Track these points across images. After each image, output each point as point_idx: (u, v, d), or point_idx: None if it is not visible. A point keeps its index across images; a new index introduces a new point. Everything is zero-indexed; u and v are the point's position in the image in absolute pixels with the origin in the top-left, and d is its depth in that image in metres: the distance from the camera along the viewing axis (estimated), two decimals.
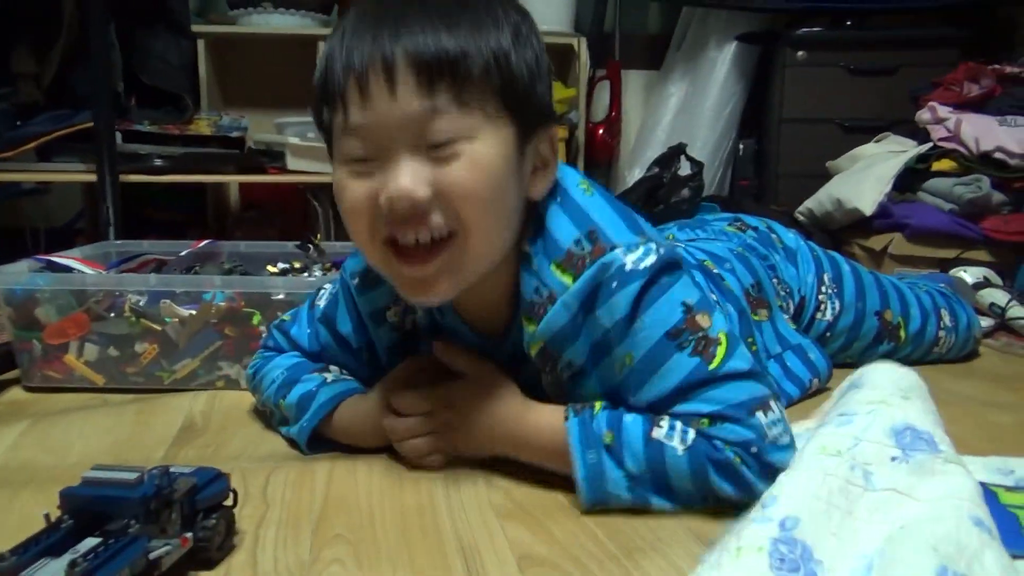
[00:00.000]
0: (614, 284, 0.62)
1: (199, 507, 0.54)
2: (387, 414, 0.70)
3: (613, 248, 0.62)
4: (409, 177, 0.58)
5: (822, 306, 1.01)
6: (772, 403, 0.62)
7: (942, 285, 1.18)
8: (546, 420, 0.66)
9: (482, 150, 0.59)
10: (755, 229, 1.04)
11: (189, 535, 0.52)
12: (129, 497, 0.50)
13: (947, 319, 1.09)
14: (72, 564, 0.44)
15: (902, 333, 1.05)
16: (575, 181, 0.68)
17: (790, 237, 1.05)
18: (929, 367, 1.09)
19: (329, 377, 0.78)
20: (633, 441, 0.61)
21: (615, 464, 0.61)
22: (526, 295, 0.66)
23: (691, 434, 0.60)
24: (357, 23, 0.60)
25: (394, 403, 0.70)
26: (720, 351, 0.62)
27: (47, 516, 0.50)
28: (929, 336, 1.08)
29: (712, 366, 0.61)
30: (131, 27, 1.69)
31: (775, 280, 0.97)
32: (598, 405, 0.65)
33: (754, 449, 0.59)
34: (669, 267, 0.63)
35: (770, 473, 0.57)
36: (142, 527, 0.50)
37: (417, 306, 0.72)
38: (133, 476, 0.51)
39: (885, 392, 0.61)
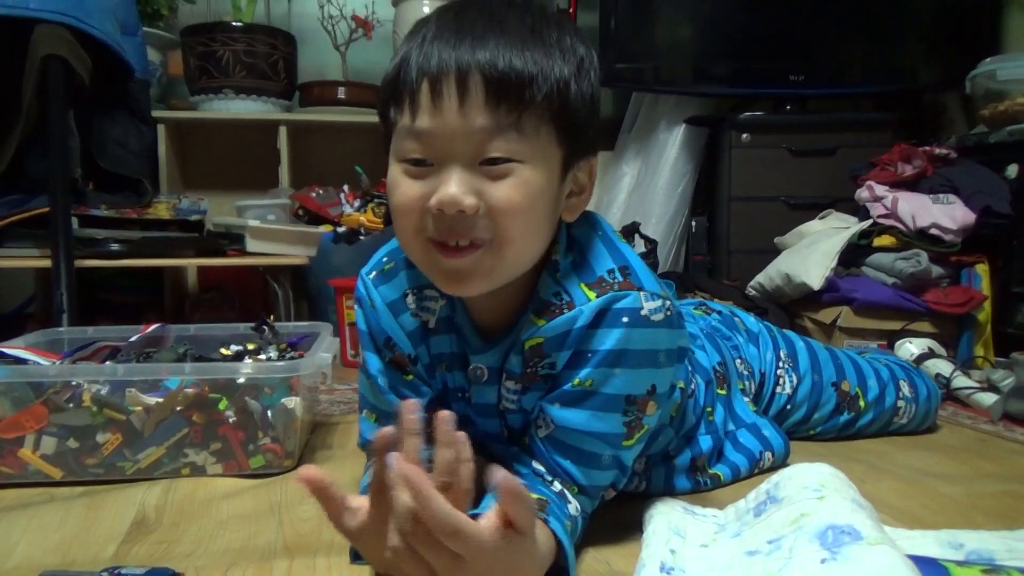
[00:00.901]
0: (624, 319, 0.67)
1: None
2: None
3: (639, 289, 0.69)
4: (461, 187, 0.62)
5: (780, 380, 1.05)
6: (618, 484, 0.75)
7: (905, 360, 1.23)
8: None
9: (530, 173, 0.63)
10: (719, 312, 1.10)
11: None
12: None
13: (906, 389, 1.13)
14: None
15: (861, 403, 1.09)
16: (611, 228, 0.75)
17: (751, 321, 1.11)
18: (881, 440, 1.11)
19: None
20: (575, 524, 0.68)
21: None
22: (543, 295, 0.71)
23: (578, 504, 0.69)
24: (438, 32, 0.63)
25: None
26: (636, 436, 0.71)
27: None
28: (888, 403, 1.11)
29: (624, 443, 0.70)
30: (90, 113, 1.71)
31: (739, 360, 1.01)
32: (536, 496, 0.66)
33: (592, 512, 0.73)
34: (675, 342, 0.71)
35: None
36: None
37: (449, 293, 0.72)
38: None
39: (801, 502, 0.65)
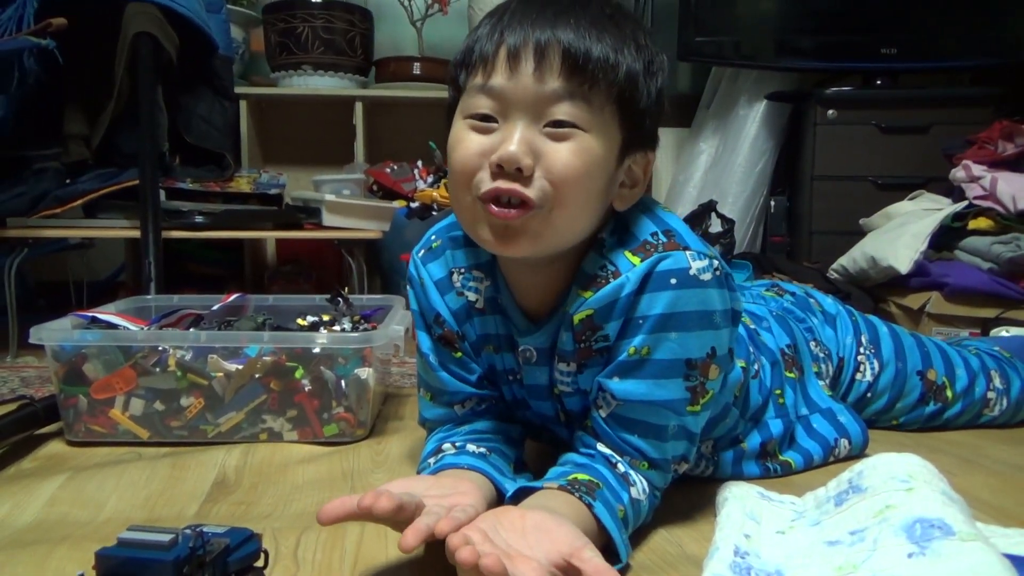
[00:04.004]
0: (672, 280, 0.66)
1: (230, 569, 0.54)
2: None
3: (685, 248, 0.67)
4: (524, 145, 0.63)
5: (861, 366, 1.01)
6: (689, 455, 0.72)
7: (997, 348, 1.15)
8: (568, 510, 0.62)
9: (590, 142, 0.64)
10: (792, 294, 1.06)
11: None
12: (163, 560, 0.50)
13: (998, 380, 1.07)
14: None
15: (948, 393, 1.04)
16: (658, 204, 0.75)
17: (829, 302, 1.06)
18: (971, 432, 1.06)
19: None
20: (628, 508, 0.66)
21: (627, 532, 0.66)
22: (587, 270, 0.70)
23: (644, 484, 0.69)
24: (520, 9, 0.66)
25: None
26: (702, 401, 0.69)
27: None
28: (978, 394, 1.05)
29: (690, 408, 0.69)
30: (177, 90, 1.76)
31: (813, 343, 0.97)
32: (589, 479, 0.65)
33: (666, 487, 0.72)
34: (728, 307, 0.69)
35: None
36: None
37: (494, 252, 0.71)
38: (167, 538, 0.51)
39: (887, 493, 0.62)
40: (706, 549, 0.64)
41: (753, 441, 0.85)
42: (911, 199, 1.87)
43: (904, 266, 1.62)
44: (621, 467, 0.68)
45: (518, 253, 0.67)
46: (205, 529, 0.54)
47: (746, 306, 0.96)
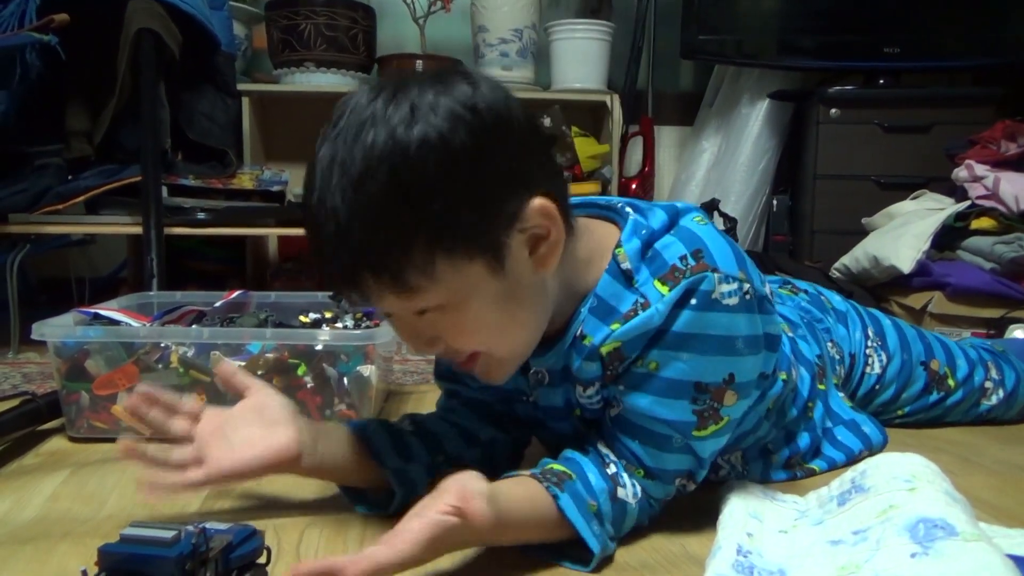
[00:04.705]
0: (692, 301, 0.63)
1: (232, 566, 0.54)
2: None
3: (714, 270, 0.64)
4: (415, 341, 0.65)
5: (870, 360, 1.01)
6: (696, 475, 0.70)
7: (990, 343, 1.17)
8: (514, 496, 0.62)
9: (454, 304, 0.61)
10: (806, 292, 1.05)
11: None
12: (166, 556, 0.50)
13: (994, 372, 1.08)
14: None
15: (950, 382, 1.05)
16: (691, 215, 0.70)
17: (838, 300, 1.06)
18: (973, 432, 1.06)
19: None
20: (605, 505, 0.65)
21: (603, 527, 0.64)
22: (607, 299, 0.66)
23: (637, 488, 0.67)
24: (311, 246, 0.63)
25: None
26: (712, 428, 0.67)
27: (84, 573, 0.50)
28: (977, 382, 1.06)
29: (695, 433, 0.66)
30: (179, 86, 1.76)
31: (830, 343, 0.97)
32: (563, 470, 0.65)
33: (665, 501, 0.70)
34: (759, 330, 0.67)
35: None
36: None
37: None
38: (170, 535, 0.51)
39: (890, 493, 0.62)
40: (708, 548, 0.64)
41: (782, 454, 0.84)
42: (913, 199, 1.87)
43: (906, 266, 1.62)
44: (613, 467, 0.67)
45: (502, 381, 0.69)
46: (207, 526, 0.54)
47: (782, 311, 0.93)
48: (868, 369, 1.01)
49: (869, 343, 1.01)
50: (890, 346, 1.02)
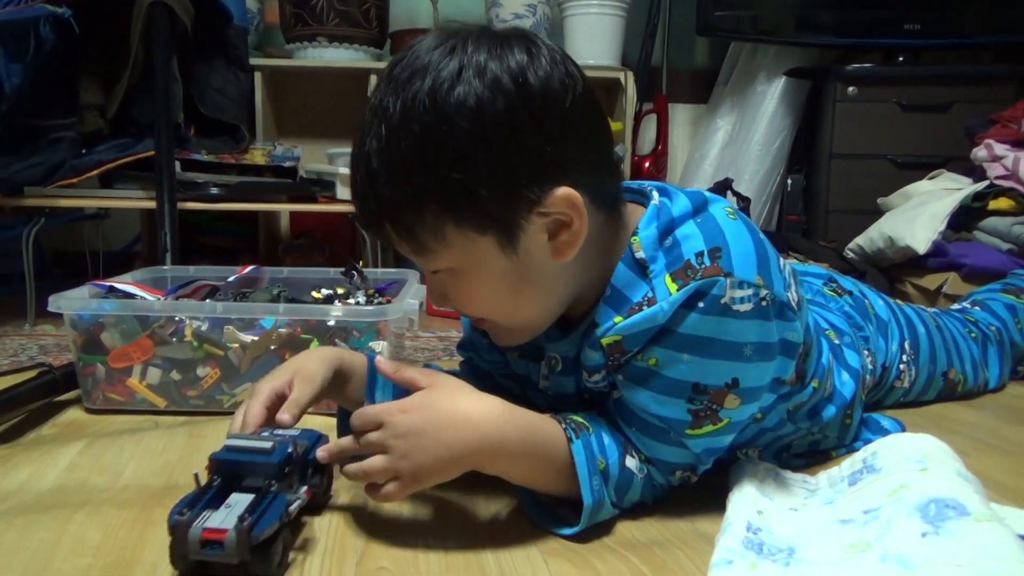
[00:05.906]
0: (700, 304, 0.61)
1: (310, 465, 0.65)
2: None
3: (727, 275, 0.62)
4: (432, 292, 0.68)
5: (902, 375, 1.01)
6: (696, 468, 0.69)
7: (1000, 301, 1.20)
8: (533, 424, 0.63)
9: (465, 276, 0.64)
10: (850, 294, 1.01)
11: (305, 488, 0.63)
12: (268, 461, 0.60)
13: (993, 366, 1.12)
14: (241, 519, 0.53)
15: (960, 388, 1.09)
16: (721, 204, 0.68)
17: (881, 305, 1.02)
18: (987, 414, 1.06)
19: None
20: (614, 467, 0.65)
21: (605, 488, 0.65)
22: (621, 288, 0.65)
23: (644, 466, 0.68)
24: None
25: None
26: (707, 428, 0.65)
27: (196, 476, 0.60)
28: (980, 381, 1.11)
29: (688, 431, 0.65)
30: (192, 60, 1.76)
31: (866, 352, 0.94)
32: (582, 421, 0.66)
33: (668, 487, 0.70)
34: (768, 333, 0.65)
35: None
36: (279, 485, 0.59)
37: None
38: (268, 444, 0.61)
39: (902, 473, 0.62)
40: (718, 525, 0.64)
41: (801, 451, 0.82)
42: (931, 178, 1.85)
43: (922, 246, 1.61)
44: (624, 439, 0.67)
45: (513, 344, 0.71)
46: (291, 434, 0.64)
47: (826, 314, 0.91)
48: (898, 383, 1.00)
49: (904, 357, 1.00)
50: (921, 360, 1.01)
